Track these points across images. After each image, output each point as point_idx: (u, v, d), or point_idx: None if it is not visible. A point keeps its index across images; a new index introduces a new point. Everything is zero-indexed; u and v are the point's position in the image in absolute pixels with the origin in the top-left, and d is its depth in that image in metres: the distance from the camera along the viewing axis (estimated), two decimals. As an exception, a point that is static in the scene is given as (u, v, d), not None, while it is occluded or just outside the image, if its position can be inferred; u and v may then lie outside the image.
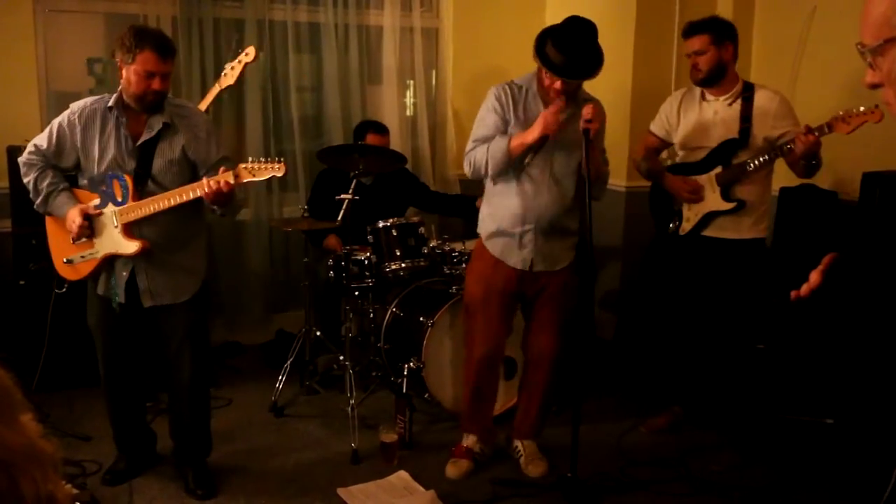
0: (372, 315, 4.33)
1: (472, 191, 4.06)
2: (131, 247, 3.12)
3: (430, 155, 5.45)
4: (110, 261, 3.18)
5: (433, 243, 4.27)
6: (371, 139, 4.62)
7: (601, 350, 4.73)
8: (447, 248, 4.24)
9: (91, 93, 4.74)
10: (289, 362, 4.32)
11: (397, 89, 5.29)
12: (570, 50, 3.17)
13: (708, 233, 3.74)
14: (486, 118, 3.40)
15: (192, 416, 3.43)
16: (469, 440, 3.66)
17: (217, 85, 4.04)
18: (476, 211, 3.73)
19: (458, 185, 5.45)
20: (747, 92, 3.66)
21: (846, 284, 1.74)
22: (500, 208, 3.44)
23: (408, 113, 5.50)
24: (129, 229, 3.12)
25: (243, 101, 4.94)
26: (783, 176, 4.07)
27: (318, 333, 4.44)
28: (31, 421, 0.98)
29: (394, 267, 4.12)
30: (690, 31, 3.69)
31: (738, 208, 3.67)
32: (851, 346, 3.37)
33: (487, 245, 3.51)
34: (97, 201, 3.12)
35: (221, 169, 3.00)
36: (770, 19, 4.60)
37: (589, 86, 3.46)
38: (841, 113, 3.26)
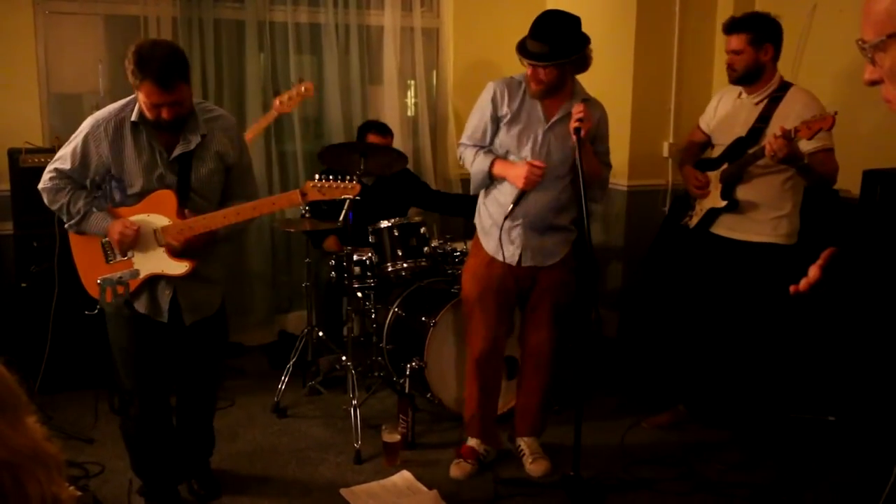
0: (374, 315, 4.33)
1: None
2: (180, 268, 2.98)
3: (431, 155, 5.46)
4: (151, 280, 3.01)
5: (435, 243, 4.27)
6: (372, 139, 4.62)
7: (604, 348, 4.73)
8: (449, 248, 4.24)
9: (97, 95, 4.76)
10: (291, 363, 4.33)
11: (398, 89, 5.29)
12: (541, 38, 3.19)
13: (717, 231, 3.71)
14: (476, 118, 3.46)
15: (203, 418, 3.41)
16: (473, 441, 3.66)
17: (274, 111, 4.28)
18: None
19: (460, 184, 5.46)
20: (780, 92, 3.57)
21: (845, 280, 1.74)
22: (492, 203, 3.47)
23: (409, 113, 5.50)
24: (174, 249, 2.97)
25: (244, 103, 4.94)
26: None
27: (321, 334, 4.45)
28: (35, 423, 0.98)
29: (395, 267, 4.12)
30: (730, 28, 3.58)
31: (730, 207, 3.62)
32: (852, 343, 3.37)
33: (481, 240, 3.53)
34: (141, 216, 2.96)
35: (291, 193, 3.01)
36: (770, 17, 4.60)
37: (589, 85, 3.46)
38: (806, 119, 3.23)
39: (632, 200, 4.93)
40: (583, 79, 3.49)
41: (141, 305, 3.04)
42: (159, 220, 2.96)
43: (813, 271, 1.74)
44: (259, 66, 4.97)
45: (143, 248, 2.98)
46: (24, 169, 4.15)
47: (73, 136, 2.97)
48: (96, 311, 2.89)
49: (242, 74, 4.93)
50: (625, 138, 4.78)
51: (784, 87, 3.60)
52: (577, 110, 3.18)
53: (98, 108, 4.38)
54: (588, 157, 3.28)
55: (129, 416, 3.17)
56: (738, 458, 3.70)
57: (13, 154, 4.18)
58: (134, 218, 2.96)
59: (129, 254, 3.00)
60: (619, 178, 4.82)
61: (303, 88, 4.27)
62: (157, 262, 2.99)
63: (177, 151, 2.94)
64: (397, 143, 5.07)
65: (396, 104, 5.29)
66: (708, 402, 4.00)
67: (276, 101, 4.30)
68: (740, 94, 3.71)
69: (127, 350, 3.06)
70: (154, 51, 2.78)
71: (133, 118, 2.90)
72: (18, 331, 4.21)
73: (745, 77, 3.60)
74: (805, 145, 3.37)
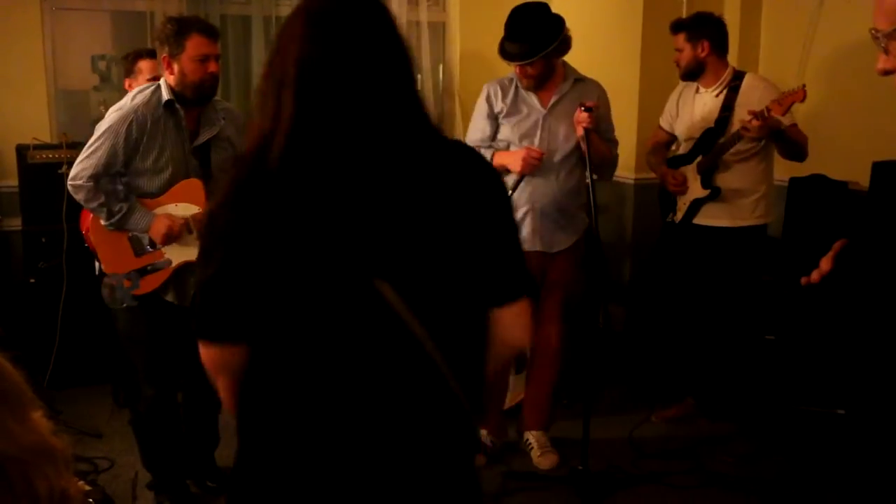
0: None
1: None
2: None
3: (437, 149, 5.45)
4: (180, 268, 3.02)
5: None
6: None
7: (612, 342, 4.72)
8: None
9: (95, 90, 4.77)
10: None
11: (404, 84, 5.27)
12: (516, 37, 3.27)
13: (701, 221, 3.79)
14: (475, 120, 3.54)
15: (211, 411, 3.41)
16: (481, 433, 3.66)
17: None
18: None
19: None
20: (735, 81, 3.73)
21: (856, 271, 1.73)
22: None
23: (415, 107, 5.49)
24: None
25: (251, 99, 4.93)
26: (792, 166, 4.05)
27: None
28: (41, 418, 0.97)
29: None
30: (672, 28, 3.83)
31: (713, 195, 3.72)
32: (862, 335, 3.36)
33: None
34: (170, 207, 2.97)
35: None
36: (778, 11, 4.56)
37: (597, 79, 3.46)
38: (778, 95, 3.42)
39: (639, 194, 4.90)
40: (591, 73, 3.50)
41: (169, 295, 3.05)
42: (188, 209, 2.99)
43: (824, 263, 1.73)
44: (265, 62, 4.95)
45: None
46: (33, 165, 4.15)
47: (101, 133, 2.90)
48: (135, 304, 2.95)
49: (249, 70, 4.92)
50: (632, 132, 4.76)
51: (739, 75, 3.76)
52: (582, 118, 3.23)
53: (106, 104, 4.42)
54: (594, 144, 3.32)
55: (140, 410, 3.18)
56: (747, 452, 3.69)
57: (21, 150, 4.19)
58: (165, 209, 2.98)
59: (159, 245, 3.01)
60: (627, 171, 4.80)
61: None
62: (189, 251, 2.99)
63: (204, 136, 3.00)
64: (404, 138, 5.06)
65: (403, 98, 5.27)
66: (716, 396, 3.99)
67: None
68: (697, 89, 3.85)
69: (142, 342, 3.07)
70: (186, 16, 2.98)
71: (166, 97, 2.91)
72: (27, 327, 4.21)
73: (688, 73, 3.81)
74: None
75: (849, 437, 3.50)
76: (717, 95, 3.75)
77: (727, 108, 3.70)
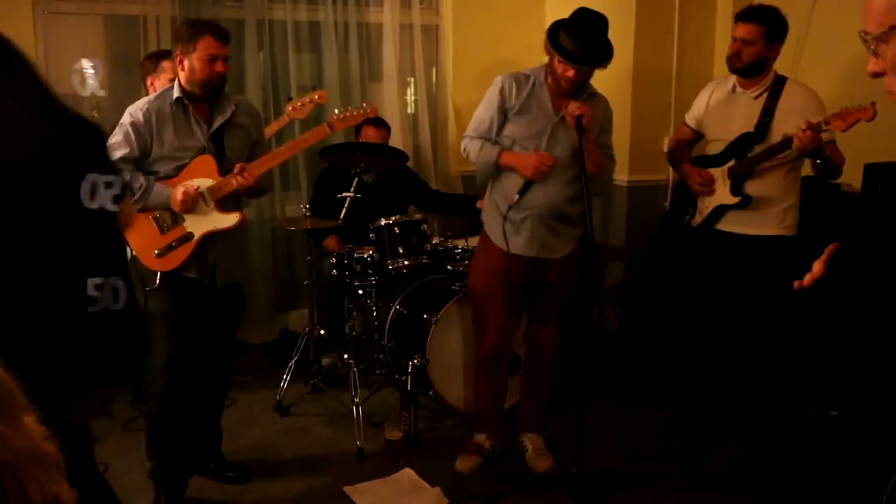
0: (375, 313, 4.32)
1: (473, 188, 4.08)
2: (231, 219, 3.19)
3: (431, 152, 5.45)
4: (199, 245, 3.16)
5: (435, 240, 4.26)
6: (366, 131, 4.62)
7: (606, 344, 4.73)
8: (450, 245, 4.23)
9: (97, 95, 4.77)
10: (293, 361, 4.33)
11: (398, 87, 5.28)
12: (583, 39, 3.22)
13: (725, 227, 3.64)
14: (483, 110, 3.47)
15: (218, 401, 3.47)
16: (480, 436, 3.67)
17: (286, 116, 4.31)
18: (476, 211, 3.76)
19: (460, 181, 5.45)
20: (777, 86, 3.53)
21: (849, 274, 1.73)
22: (499, 194, 3.48)
23: (409, 110, 5.50)
24: (222, 204, 3.18)
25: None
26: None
27: (322, 332, 4.44)
28: (33, 422, 0.97)
29: (396, 264, 4.11)
30: (746, 16, 3.52)
31: (743, 203, 3.56)
32: (855, 337, 3.37)
33: (489, 233, 3.54)
34: (189, 182, 3.12)
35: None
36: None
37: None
38: (839, 110, 3.20)
39: (632, 196, 4.92)
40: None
41: (192, 271, 3.18)
42: (204, 182, 3.14)
43: (817, 266, 1.73)
44: (259, 65, 4.96)
45: (193, 212, 3.16)
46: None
47: (117, 128, 3.12)
48: (157, 285, 3.11)
49: (242, 73, 4.92)
50: (625, 133, 4.77)
51: (780, 80, 3.56)
52: (573, 108, 3.21)
53: (99, 108, 4.43)
54: (592, 152, 3.31)
55: (157, 397, 3.21)
56: (741, 453, 3.69)
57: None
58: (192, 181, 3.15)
59: (181, 219, 3.15)
60: (620, 173, 4.82)
61: (316, 96, 4.29)
62: (208, 221, 3.17)
63: (217, 122, 3.19)
64: (397, 141, 5.07)
65: (396, 101, 5.28)
66: (711, 397, 3.99)
67: (289, 107, 4.30)
68: (734, 88, 3.66)
69: (165, 317, 3.15)
70: (201, 18, 3.24)
71: (176, 95, 3.12)
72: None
73: (749, 69, 3.54)
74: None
75: (842, 438, 3.51)
76: (755, 98, 3.55)
77: (767, 112, 3.50)
